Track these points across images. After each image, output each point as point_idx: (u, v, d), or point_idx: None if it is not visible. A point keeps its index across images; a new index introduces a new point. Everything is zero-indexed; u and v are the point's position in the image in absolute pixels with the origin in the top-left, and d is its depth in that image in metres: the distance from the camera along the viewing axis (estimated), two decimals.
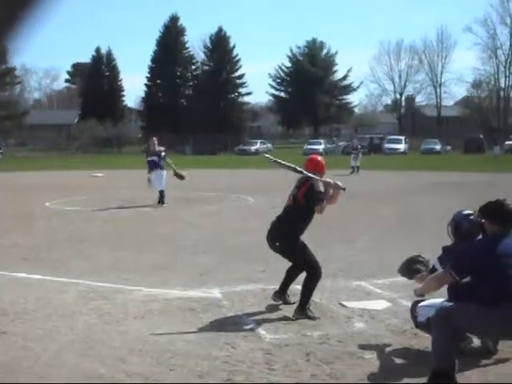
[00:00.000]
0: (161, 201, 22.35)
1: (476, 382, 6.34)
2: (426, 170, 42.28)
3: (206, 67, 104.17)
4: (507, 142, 76.21)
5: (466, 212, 7.54)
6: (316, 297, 9.27)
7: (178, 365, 6.75)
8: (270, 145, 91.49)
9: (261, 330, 7.95)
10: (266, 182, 33.75)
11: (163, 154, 22.97)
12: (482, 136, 79.65)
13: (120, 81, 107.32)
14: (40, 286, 10.39)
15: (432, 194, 26.44)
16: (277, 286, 9.71)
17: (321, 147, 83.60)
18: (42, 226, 17.76)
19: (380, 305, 9.07)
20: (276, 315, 8.60)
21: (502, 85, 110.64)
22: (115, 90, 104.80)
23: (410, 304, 9.00)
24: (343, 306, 9.04)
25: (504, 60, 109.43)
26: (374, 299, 9.41)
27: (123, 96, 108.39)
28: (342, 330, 7.97)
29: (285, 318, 8.43)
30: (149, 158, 22.80)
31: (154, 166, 22.60)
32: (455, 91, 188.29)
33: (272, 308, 8.99)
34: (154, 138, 23.48)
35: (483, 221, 6.56)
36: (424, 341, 7.36)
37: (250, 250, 13.54)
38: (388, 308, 8.93)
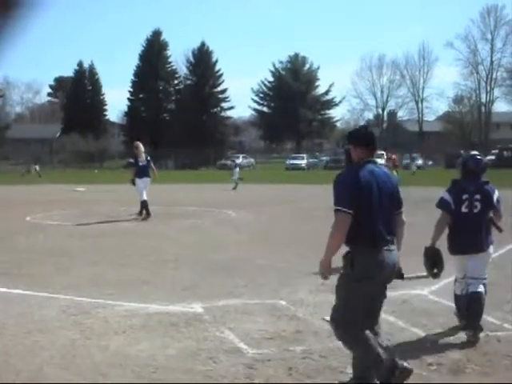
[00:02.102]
0: (147, 212, 22.27)
1: None
2: (407, 185, 42.34)
3: (189, 82, 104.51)
4: (488, 157, 76.73)
5: (473, 152, 8.95)
6: (299, 312, 9.28)
7: (159, 379, 6.73)
8: (252, 159, 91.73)
9: (243, 345, 7.92)
10: (248, 197, 33.78)
11: (149, 158, 22.94)
12: (463, 151, 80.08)
13: (102, 95, 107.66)
14: (21, 300, 10.32)
15: (410, 210, 26.47)
16: (259, 301, 9.75)
17: (303, 162, 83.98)
18: (22, 240, 17.67)
19: None
20: (258, 330, 8.57)
21: (483, 100, 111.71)
22: (98, 104, 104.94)
23: (391, 318, 9.04)
24: (326, 320, 9.03)
25: (485, 75, 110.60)
26: None
27: (106, 110, 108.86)
28: (325, 344, 7.96)
29: (267, 333, 8.41)
30: (140, 163, 22.64)
31: (146, 170, 22.53)
32: (437, 106, 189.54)
33: (254, 323, 8.97)
34: (140, 143, 23.33)
35: (348, 147, 6.59)
36: (406, 355, 7.39)
37: (232, 264, 13.53)
38: None
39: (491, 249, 8.64)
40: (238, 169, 42.60)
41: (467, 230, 8.45)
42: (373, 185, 6.10)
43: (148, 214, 22.28)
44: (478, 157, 8.88)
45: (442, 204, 8.72)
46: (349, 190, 6.03)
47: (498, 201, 8.60)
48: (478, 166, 8.75)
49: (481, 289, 8.40)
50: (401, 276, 6.50)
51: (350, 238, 6.04)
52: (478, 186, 8.55)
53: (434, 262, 8.75)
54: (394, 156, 16.73)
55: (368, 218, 6.03)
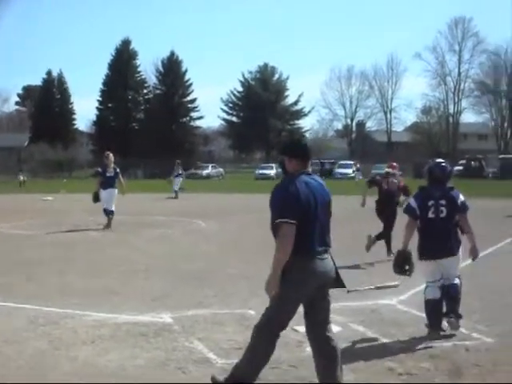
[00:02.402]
0: (109, 223, 22.21)
1: None
2: (375, 195, 42.44)
3: (158, 91, 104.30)
4: (456, 168, 77.35)
5: (439, 160, 9.52)
6: None
7: None
8: (221, 169, 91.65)
9: (212, 355, 7.92)
10: (218, 207, 33.77)
11: (118, 170, 22.81)
12: (430, 160, 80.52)
13: (71, 104, 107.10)
14: None
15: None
16: (228, 311, 9.75)
17: (272, 172, 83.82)
18: None
19: None
20: (228, 340, 8.56)
21: (451, 111, 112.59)
22: (66, 113, 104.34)
23: (360, 328, 9.07)
24: (295, 330, 9.01)
25: (453, 86, 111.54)
26: None
27: (74, 119, 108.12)
28: (294, 354, 7.97)
29: (236, 343, 8.40)
30: (108, 174, 22.57)
31: (112, 182, 22.47)
32: (405, 117, 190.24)
33: (223, 333, 8.96)
34: (111, 154, 23.22)
35: (282, 158, 6.54)
36: (375, 365, 7.41)
37: (202, 274, 13.51)
38: (339, 332, 8.91)
39: (460, 250, 9.06)
40: (181, 178, 42.62)
41: (435, 235, 8.89)
42: (309, 196, 6.19)
43: (108, 224, 22.21)
44: (443, 164, 9.40)
45: (408, 210, 9.21)
46: (289, 202, 6.10)
47: (463, 204, 9.06)
48: (444, 172, 9.26)
49: (457, 281, 8.99)
50: (342, 285, 6.59)
51: None
52: (443, 192, 9.03)
53: (404, 263, 9.19)
54: (394, 164, 16.61)
55: (305, 228, 6.11)
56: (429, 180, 9.32)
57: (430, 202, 8.96)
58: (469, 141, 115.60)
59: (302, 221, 6.06)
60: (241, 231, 22.46)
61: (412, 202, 9.20)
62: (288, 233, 6.02)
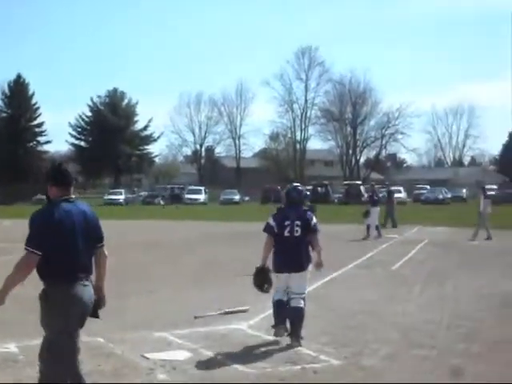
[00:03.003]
0: None
1: None
2: (224, 220, 42.85)
3: (4, 114, 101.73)
4: None
5: (295, 184, 10.37)
6: (117, 349, 9.16)
7: None
8: None
9: None
10: None
11: None
12: (279, 187, 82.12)
13: None
14: None
15: (230, 244, 26.82)
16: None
17: (121, 197, 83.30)
18: None
19: (181, 355, 9.05)
20: None
21: (298, 137, 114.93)
22: None
23: (210, 353, 9.07)
24: (145, 357, 8.94)
25: (300, 114, 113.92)
26: (175, 350, 9.37)
27: None
28: (145, 382, 7.89)
29: (84, 371, 8.23)
30: None
31: None
32: (254, 143, 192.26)
33: None
34: None
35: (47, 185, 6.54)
36: None
37: None
38: (189, 358, 8.92)
39: (310, 266, 9.79)
40: None
41: (289, 252, 9.59)
42: (66, 223, 6.14)
43: None
44: (300, 188, 10.20)
45: (267, 228, 9.88)
46: (39, 230, 6.07)
47: (315, 225, 9.81)
48: (300, 195, 10.10)
49: (301, 304, 9.55)
50: (96, 316, 6.61)
51: (44, 275, 6.20)
52: (299, 214, 9.76)
53: (263, 280, 9.79)
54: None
55: (60, 255, 6.10)
56: (286, 202, 10.04)
57: (286, 222, 9.66)
58: (316, 167, 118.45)
59: (57, 248, 6.05)
60: None
61: (271, 221, 9.79)
62: (27, 261, 6.03)
